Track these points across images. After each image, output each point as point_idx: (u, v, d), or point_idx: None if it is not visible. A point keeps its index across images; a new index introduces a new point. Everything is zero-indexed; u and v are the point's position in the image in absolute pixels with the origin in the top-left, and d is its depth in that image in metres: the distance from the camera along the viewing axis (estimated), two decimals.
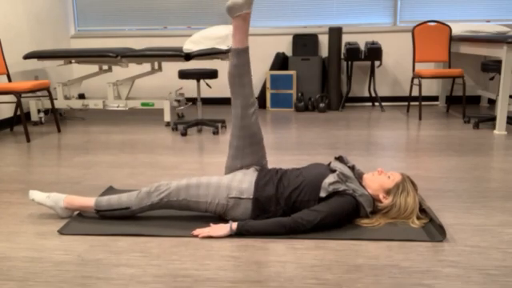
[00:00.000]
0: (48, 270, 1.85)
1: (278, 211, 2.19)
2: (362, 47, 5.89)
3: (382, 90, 6.05)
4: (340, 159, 2.41)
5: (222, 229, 2.12)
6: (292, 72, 5.63)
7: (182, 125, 4.67)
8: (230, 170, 2.42)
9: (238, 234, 2.11)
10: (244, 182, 2.23)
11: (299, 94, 5.63)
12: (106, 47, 5.33)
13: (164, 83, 6.27)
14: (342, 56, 5.83)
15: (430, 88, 6.02)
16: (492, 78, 5.00)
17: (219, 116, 5.36)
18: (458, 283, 1.71)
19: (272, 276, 1.78)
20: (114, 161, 3.50)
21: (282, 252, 1.97)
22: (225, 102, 6.24)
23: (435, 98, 6.03)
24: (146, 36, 6.15)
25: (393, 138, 4.11)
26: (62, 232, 2.19)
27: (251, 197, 2.19)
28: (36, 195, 2.36)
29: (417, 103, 6.00)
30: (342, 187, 2.15)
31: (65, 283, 1.75)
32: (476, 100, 6.01)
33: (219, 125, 4.44)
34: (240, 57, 2.26)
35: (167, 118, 4.86)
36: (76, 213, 2.40)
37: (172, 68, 6.20)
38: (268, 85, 5.70)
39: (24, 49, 5.19)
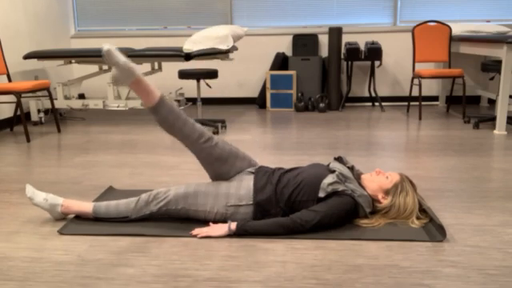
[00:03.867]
0: (48, 270, 1.85)
1: (279, 213, 2.19)
2: (362, 47, 5.89)
3: (382, 90, 6.05)
4: (339, 160, 2.41)
5: (221, 229, 2.12)
6: (292, 72, 5.63)
7: None
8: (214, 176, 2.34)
9: (236, 234, 2.11)
10: (241, 188, 2.21)
11: (299, 94, 5.63)
12: None
13: (164, 83, 6.27)
14: (342, 56, 5.83)
15: (429, 88, 6.02)
16: (492, 78, 5.01)
17: (219, 116, 5.36)
18: (458, 283, 1.71)
19: (272, 276, 1.78)
20: (114, 161, 3.50)
21: (282, 252, 1.97)
22: (225, 102, 6.24)
23: (435, 98, 6.03)
24: (146, 36, 6.15)
25: (393, 138, 4.11)
26: (62, 232, 2.19)
27: (251, 202, 2.18)
28: (34, 194, 2.29)
29: (417, 103, 6.00)
30: (340, 187, 2.15)
31: (65, 283, 1.74)
32: (476, 100, 6.01)
33: (219, 125, 4.44)
34: (157, 113, 2.19)
35: None
36: (72, 215, 2.39)
37: (172, 68, 6.20)
38: (268, 85, 5.71)
39: (24, 49, 5.19)
